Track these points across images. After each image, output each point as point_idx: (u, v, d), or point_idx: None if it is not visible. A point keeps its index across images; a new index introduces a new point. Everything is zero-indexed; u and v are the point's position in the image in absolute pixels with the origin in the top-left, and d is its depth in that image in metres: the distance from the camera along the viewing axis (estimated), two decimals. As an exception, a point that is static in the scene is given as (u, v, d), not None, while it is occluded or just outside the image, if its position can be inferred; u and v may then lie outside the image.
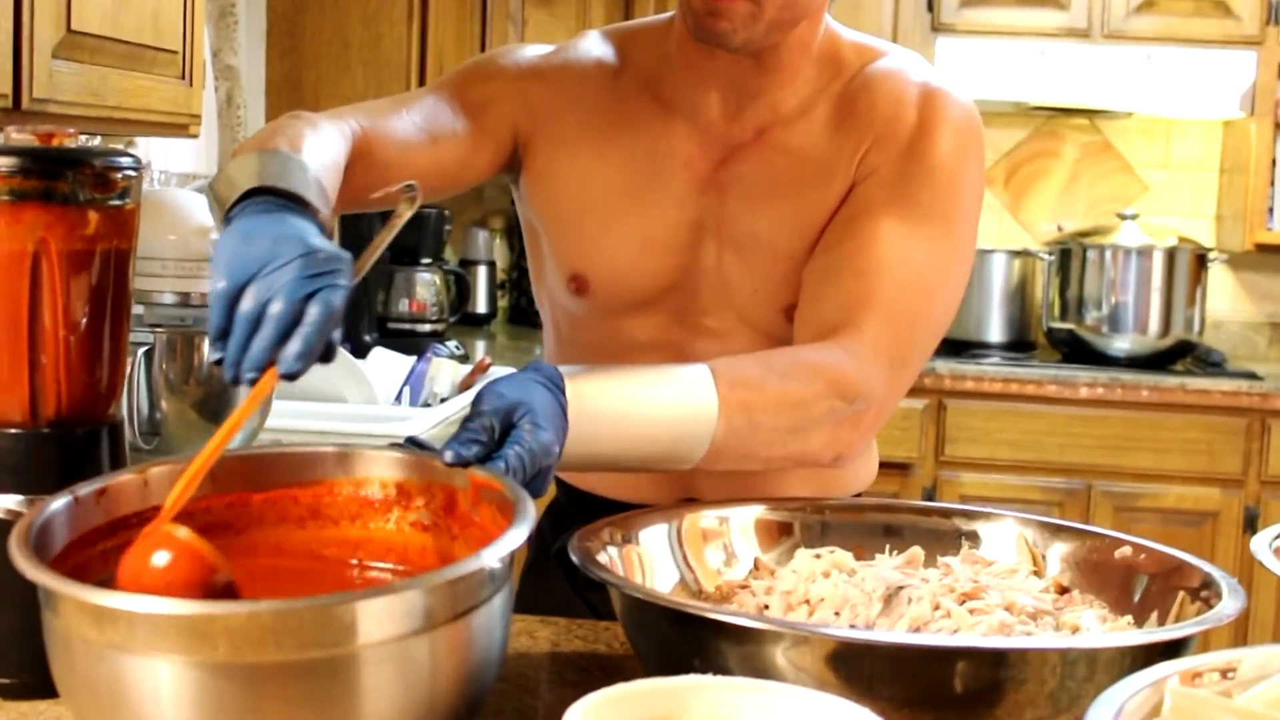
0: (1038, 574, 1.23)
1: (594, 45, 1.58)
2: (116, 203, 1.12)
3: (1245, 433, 3.84)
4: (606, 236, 1.51)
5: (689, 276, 1.51)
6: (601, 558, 1.13)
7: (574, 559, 1.09)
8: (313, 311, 1.02)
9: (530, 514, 0.97)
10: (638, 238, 1.50)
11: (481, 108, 1.51)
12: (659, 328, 1.53)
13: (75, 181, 1.09)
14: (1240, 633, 3.69)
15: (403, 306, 3.59)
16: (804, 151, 1.48)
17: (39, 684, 1.04)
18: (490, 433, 1.09)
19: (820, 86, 1.49)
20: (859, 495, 1.60)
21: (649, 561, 1.20)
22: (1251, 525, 3.84)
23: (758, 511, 1.29)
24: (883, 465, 1.67)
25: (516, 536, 0.94)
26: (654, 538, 1.23)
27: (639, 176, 1.50)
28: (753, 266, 1.49)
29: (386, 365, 2.94)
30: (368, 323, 3.52)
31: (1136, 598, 1.19)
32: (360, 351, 3.17)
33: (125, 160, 1.12)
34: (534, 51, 1.58)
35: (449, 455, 1.06)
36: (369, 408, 2.74)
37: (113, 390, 1.14)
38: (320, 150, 1.26)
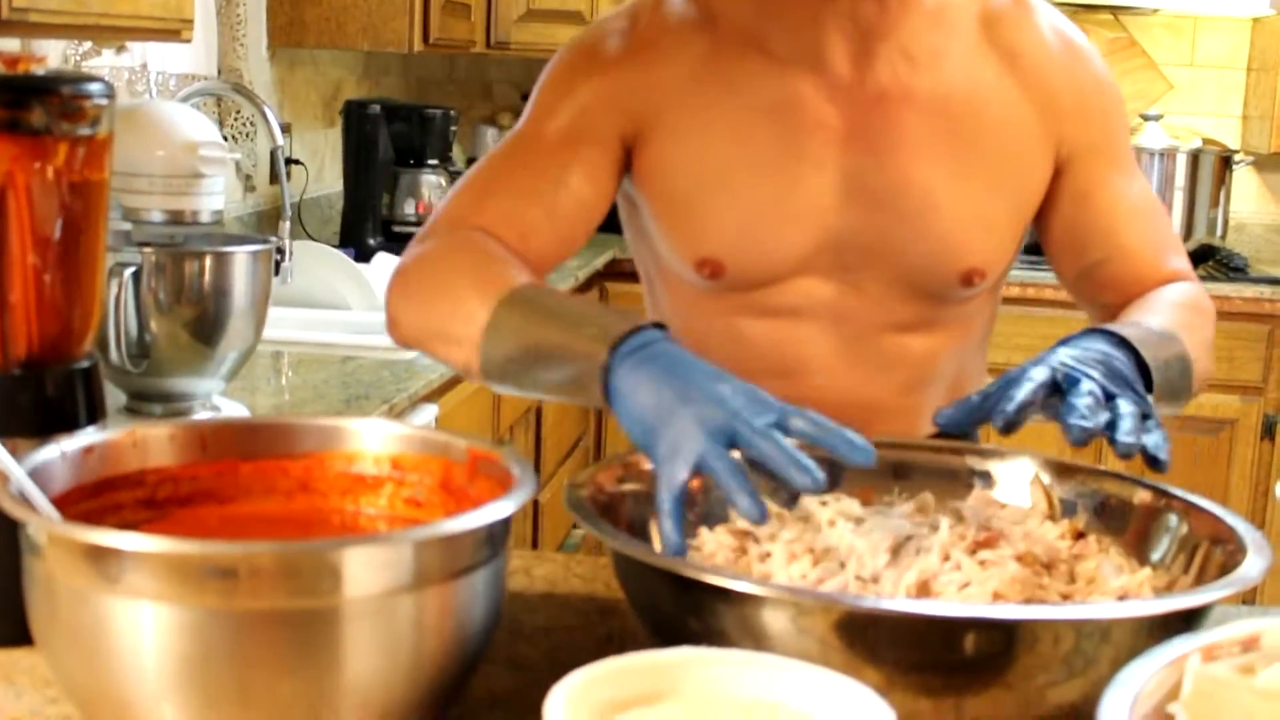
0: (1052, 518, 1.18)
1: (672, 6, 1.44)
2: (87, 132, 1.06)
3: (1266, 339, 3.79)
4: (739, 216, 1.40)
5: (839, 242, 1.42)
6: (597, 501, 1.08)
7: (567, 505, 1.05)
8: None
9: (529, 485, 0.93)
10: (774, 211, 1.40)
11: (583, 140, 1.40)
12: (806, 296, 1.45)
13: (43, 111, 1.03)
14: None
15: (408, 209, 3.53)
16: (972, 103, 1.41)
17: (13, 633, 1.00)
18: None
19: (947, 21, 1.41)
20: None
21: (646, 507, 1.16)
22: (1270, 433, 3.80)
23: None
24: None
25: (512, 502, 0.90)
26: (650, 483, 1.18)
27: (764, 143, 1.39)
28: (923, 228, 1.41)
29: (390, 270, 2.88)
30: (372, 226, 3.47)
31: (1156, 545, 1.14)
32: (364, 256, 3.12)
33: (96, 87, 1.06)
34: (610, 42, 1.43)
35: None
36: (372, 315, 2.70)
37: (86, 329, 1.09)
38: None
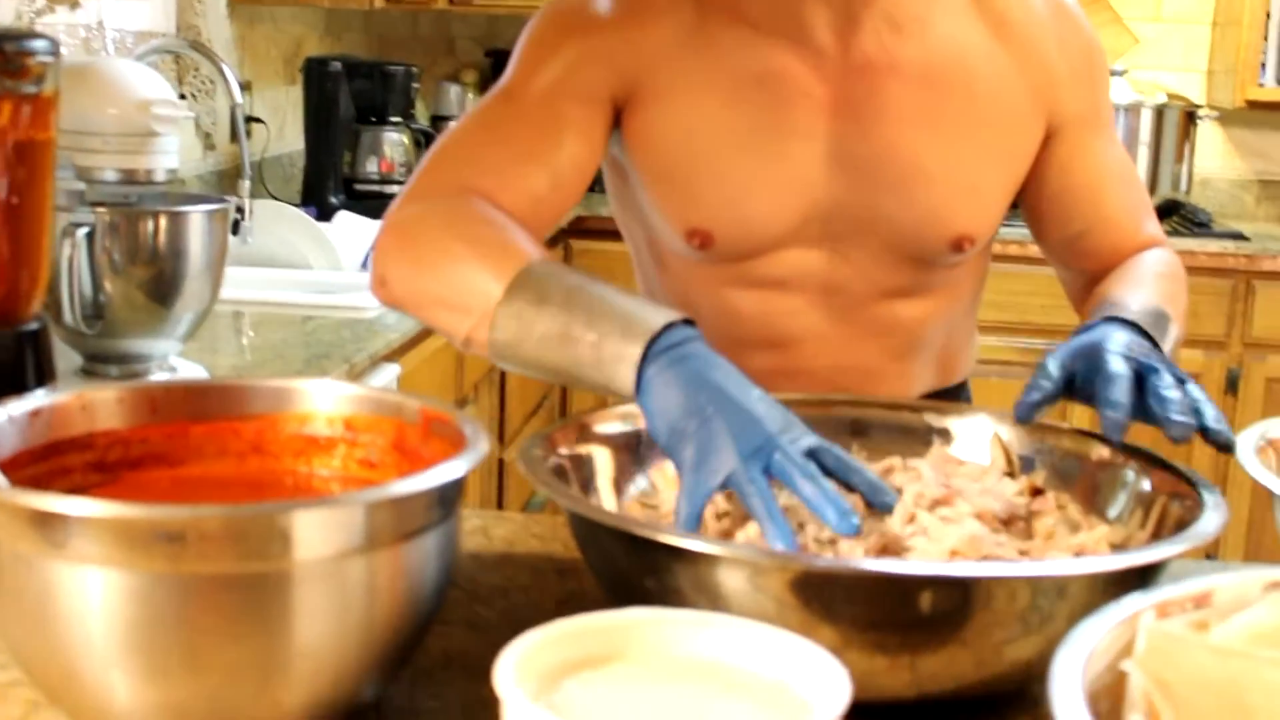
0: (1011, 474, 1.18)
1: None
2: (32, 90, 1.05)
3: (1230, 294, 3.80)
4: (727, 187, 1.39)
5: (827, 212, 1.41)
6: (551, 463, 1.08)
7: (521, 466, 1.04)
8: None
9: (481, 446, 0.92)
10: (763, 182, 1.39)
11: (576, 97, 1.37)
12: (796, 267, 1.44)
13: (-16, 67, 1.02)
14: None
15: (370, 167, 3.50)
16: (961, 71, 1.40)
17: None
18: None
19: None
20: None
21: (607, 466, 1.15)
22: (1233, 387, 3.82)
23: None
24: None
25: (464, 463, 0.89)
26: (608, 439, 1.17)
27: (751, 114, 1.38)
28: (911, 197, 1.40)
29: (352, 229, 2.87)
30: (334, 184, 3.44)
31: (1113, 501, 1.14)
32: (325, 215, 3.10)
33: (40, 44, 1.05)
34: (599, 2, 1.40)
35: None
36: (333, 274, 2.68)
37: (34, 291, 1.08)
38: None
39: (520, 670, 0.73)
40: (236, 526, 0.80)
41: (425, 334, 2.50)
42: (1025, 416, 1.18)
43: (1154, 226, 1.53)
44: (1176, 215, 4.07)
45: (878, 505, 1.01)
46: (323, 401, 1.05)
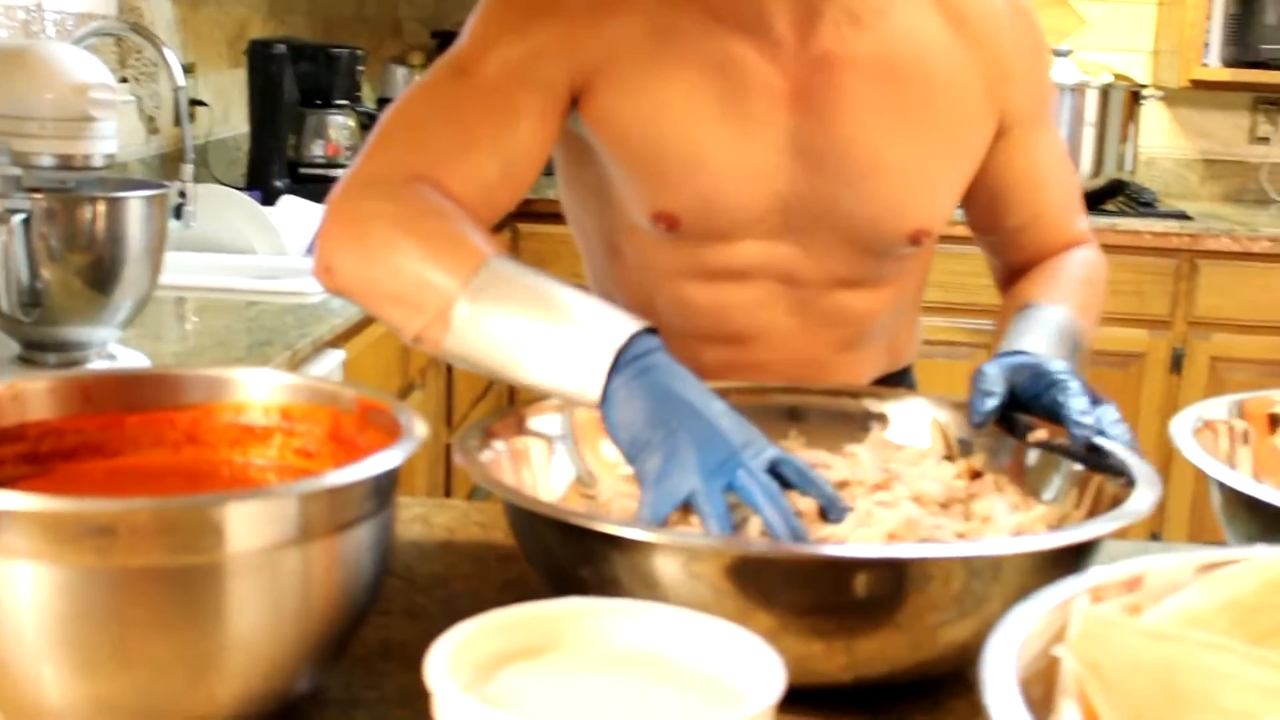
0: (950, 458, 1.18)
1: None
2: (-43, 75, 1.03)
3: (1174, 274, 3.82)
4: (694, 173, 1.38)
5: (787, 204, 1.41)
6: (487, 454, 1.07)
7: (458, 457, 1.04)
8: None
9: (417, 434, 0.92)
10: (729, 167, 1.38)
11: (533, 85, 1.33)
12: (755, 257, 1.43)
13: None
14: (1159, 510, 3.71)
15: (316, 150, 3.48)
16: (919, 65, 1.40)
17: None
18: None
19: None
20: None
21: (541, 456, 1.15)
22: (1178, 366, 3.85)
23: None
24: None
25: (399, 453, 0.89)
26: (547, 429, 1.17)
27: (716, 103, 1.37)
28: (870, 190, 1.41)
29: (296, 214, 2.85)
30: (279, 168, 3.41)
31: (1050, 482, 1.14)
32: (270, 199, 3.08)
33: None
34: None
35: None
36: (278, 259, 2.67)
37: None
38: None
39: (453, 661, 0.73)
40: (167, 519, 0.79)
41: (371, 319, 2.48)
42: (982, 423, 1.19)
43: (1084, 224, 1.58)
44: (1122, 195, 4.10)
45: (833, 518, 1.03)
46: (258, 391, 1.04)
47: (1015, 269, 1.55)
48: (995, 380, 1.19)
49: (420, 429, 0.93)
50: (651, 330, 1.11)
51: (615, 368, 1.08)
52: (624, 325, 1.09)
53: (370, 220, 1.23)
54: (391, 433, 0.95)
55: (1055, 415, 1.16)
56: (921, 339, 1.66)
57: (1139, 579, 0.80)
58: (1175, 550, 0.83)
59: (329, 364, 2.20)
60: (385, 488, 0.89)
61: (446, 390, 3.23)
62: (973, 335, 3.75)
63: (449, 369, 3.21)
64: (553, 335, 1.10)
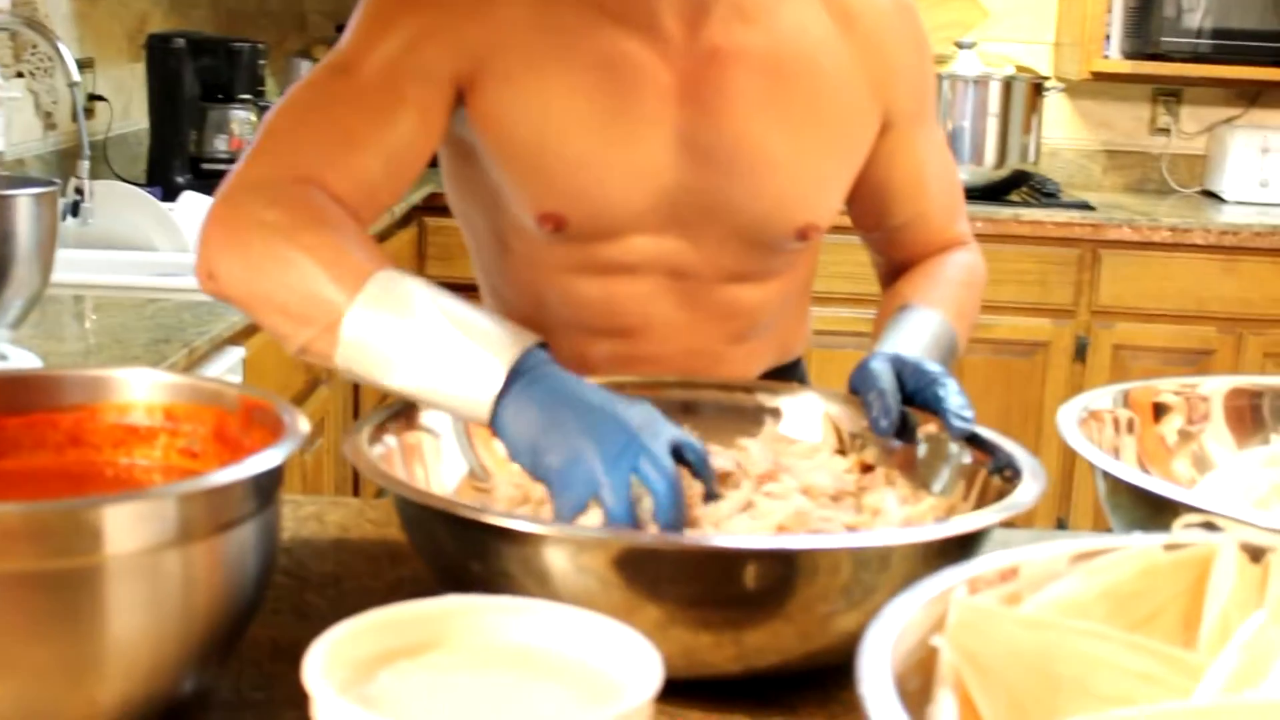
0: (842, 452, 1.19)
1: None
2: None
3: (1077, 263, 3.86)
4: (579, 170, 1.37)
5: (675, 199, 1.40)
6: (378, 449, 1.06)
7: (346, 451, 1.03)
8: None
9: (299, 432, 0.91)
10: (615, 166, 1.37)
11: (415, 78, 1.31)
12: (643, 252, 1.42)
13: None
14: (1066, 498, 3.77)
15: (219, 145, 3.43)
16: (804, 61, 1.41)
17: None
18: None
19: None
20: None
21: (434, 451, 1.14)
22: (1081, 354, 3.89)
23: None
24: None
25: (281, 451, 0.88)
26: (439, 423, 1.16)
27: (603, 100, 1.36)
28: (759, 186, 1.40)
29: (198, 209, 2.81)
30: (180, 164, 3.38)
31: (938, 475, 1.15)
32: (172, 194, 3.04)
33: None
34: None
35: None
36: (178, 256, 2.64)
37: None
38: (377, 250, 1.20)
39: (331, 661, 0.72)
40: (39, 523, 0.78)
41: (272, 315, 2.46)
42: (888, 431, 1.18)
43: (964, 225, 1.59)
44: (1025, 186, 4.14)
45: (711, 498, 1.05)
46: (141, 390, 1.03)
47: (897, 266, 1.58)
48: (888, 379, 1.20)
49: (303, 427, 0.92)
50: (541, 345, 1.10)
51: (505, 387, 1.07)
52: (512, 343, 1.09)
53: (254, 229, 1.19)
54: (276, 431, 0.94)
55: (933, 411, 1.17)
56: (812, 330, 1.67)
57: (1015, 570, 0.80)
58: (1056, 539, 0.83)
59: (228, 362, 2.18)
60: (267, 487, 0.88)
61: (354, 387, 3.21)
62: (866, 325, 3.77)
63: (355, 365, 3.19)
64: (441, 355, 1.08)
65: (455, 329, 1.09)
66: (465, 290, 1.23)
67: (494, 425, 1.07)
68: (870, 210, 1.55)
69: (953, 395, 1.17)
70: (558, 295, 1.45)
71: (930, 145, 1.54)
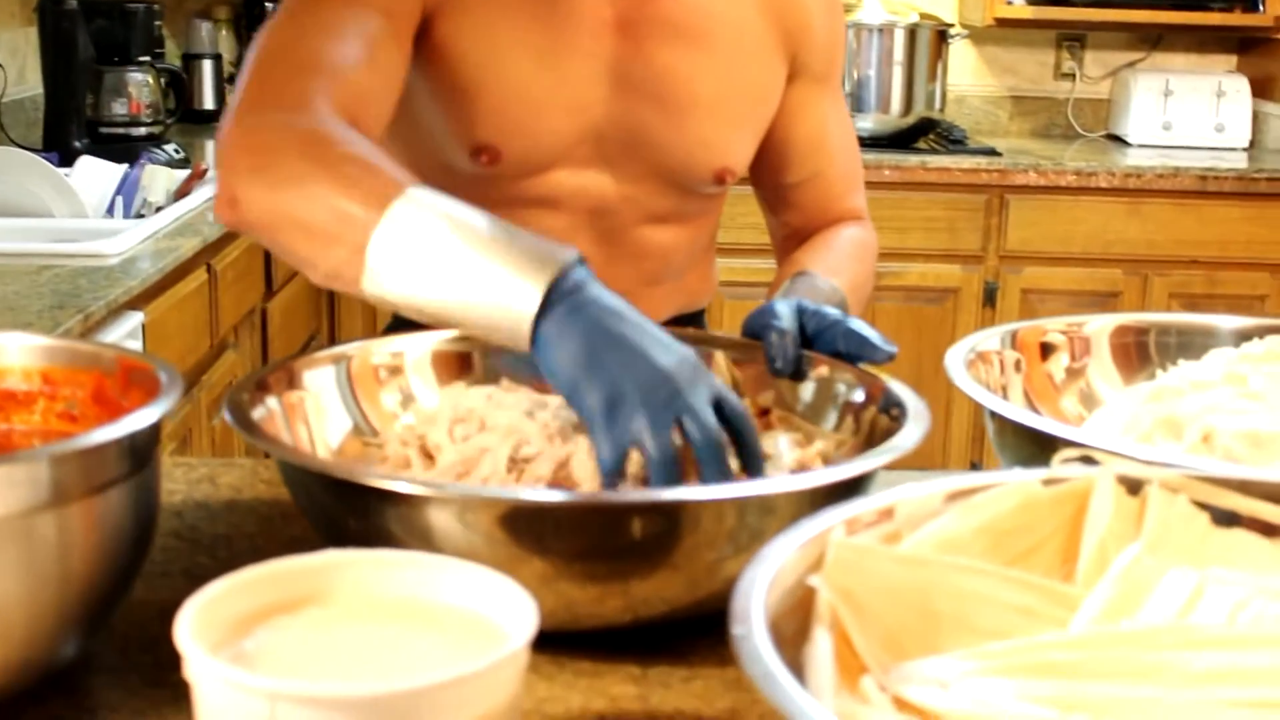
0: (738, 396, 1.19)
1: None
2: None
3: (985, 209, 3.89)
4: (518, 104, 1.37)
5: (602, 133, 1.42)
6: (259, 411, 1.05)
7: (226, 414, 1.02)
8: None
9: (175, 392, 0.91)
10: (552, 100, 1.39)
11: (397, 7, 1.32)
12: (567, 186, 1.44)
13: None
14: (979, 441, 3.79)
15: (118, 109, 3.37)
16: (727, 4, 1.43)
17: None
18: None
19: None
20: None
21: (317, 410, 1.13)
22: (991, 300, 3.92)
23: (434, 343, 1.22)
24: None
25: (156, 410, 0.87)
26: (321, 382, 1.15)
27: (544, 31, 1.37)
28: (683, 124, 1.43)
29: (95, 174, 2.78)
30: (76, 128, 3.32)
31: (827, 415, 1.16)
32: (68, 159, 3.00)
33: None
34: None
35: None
36: (76, 222, 2.60)
37: None
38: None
39: (204, 620, 0.72)
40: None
41: (173, 279, 2.43)
42: (785, 372, 1.18)
43: (862, 200, 1.61)
44: (932, 133, 4.16)
45: (753, 471, 1.03)
46: (17, 354, 1.01)
47: (791, 230, 1.60)
48: (789, 320, 1.20)
49: (178, 387, 0.91)
50: (581, 260, 1.06)
51: (544, 309, 1.03)
52: (550, 259, 1.04)
53: (276, 148, 1.15)
54: (154, 392, 0.93)
55: (843, 352, 1.17)
56: (717, 282, 1.68)
57: (891, 510, 0.81)
58: (931, 478, 0.84)
59: (126, 327, 2.16)
60: (143, 447, 0.87)
61: (263, 350, 3.18)
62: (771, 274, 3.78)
63: (264, 327, 3.17)
64: (477, 275, 1.04)
65: (490, 246, 1.05)
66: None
67: (534, 350, 1.03)
68: (769, 165, 1.56)
69: (869, 330, 1.18)
70: None
71: (834, 110, 1.56)
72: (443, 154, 1.44)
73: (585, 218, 1.47)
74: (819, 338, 1.19)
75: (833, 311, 1.21)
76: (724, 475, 0.98)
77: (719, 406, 1.01)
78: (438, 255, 1.05)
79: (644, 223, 1.50)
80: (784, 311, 1.20)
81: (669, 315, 1.58)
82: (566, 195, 1.45)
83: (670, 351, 1.02)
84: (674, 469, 0.97)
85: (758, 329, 1.21)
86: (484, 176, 1.42)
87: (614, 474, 0.98)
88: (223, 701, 0.67)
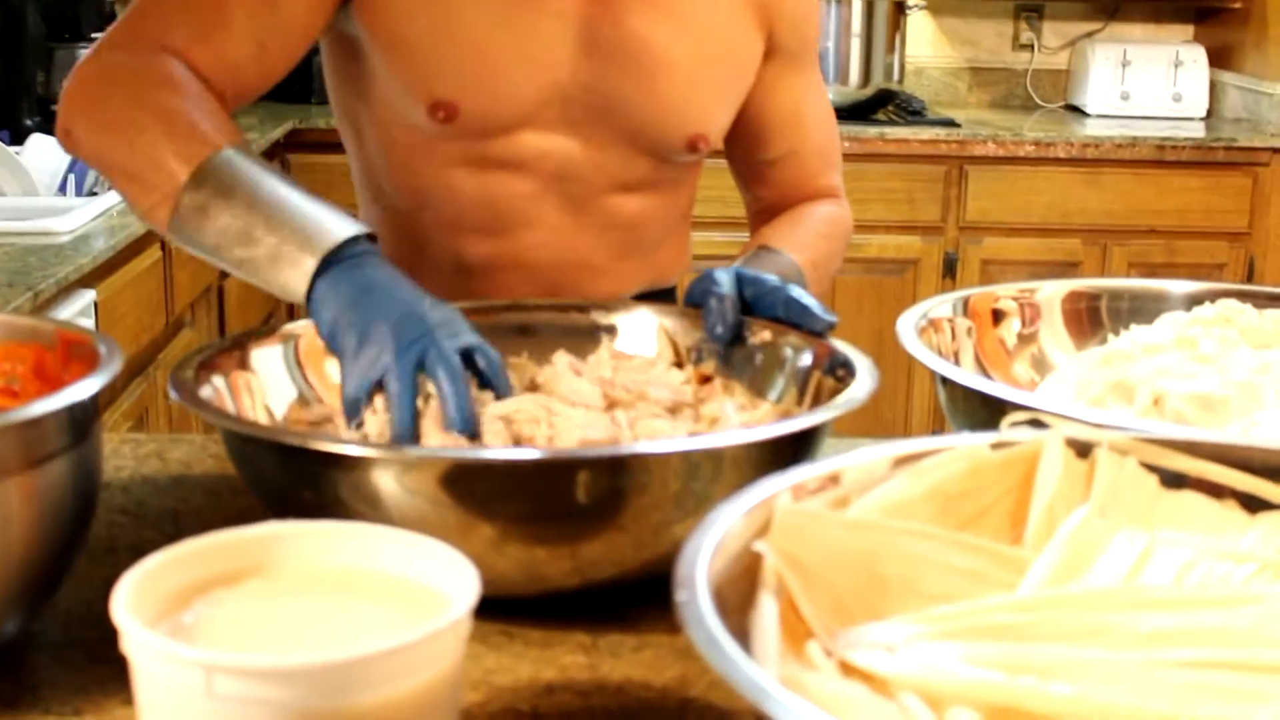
0: (679, 365, 1.19)
1: None
2: None
3: (944, 180, 3.89)
4: (476, 59, 1.35)
5: (569, 96, 1.39)
6: (206, 390, 1.04)
7: (170, 389, 1.01)
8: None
9: (114, 364, 0.90)
10: (515, 56, 1.36)
11: None
12: (532, 149, 1.41)
13: None
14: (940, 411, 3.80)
15: (69, 86, 3.34)
16: None
17: None
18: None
19: None
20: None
21: (262, 388, 1.12)
22: (951, 270, 3.92)
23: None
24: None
25: (93, 383, 0.86)
26: (267, 361, 1.14)
27: None
28: (654, 88, 1.40)
29: (47, 152, 2.75)
30: (27, 106, 3.28)
31: (774, 380, 1.15)
32: (18, 138, 2.97)
33: None
34: None
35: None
36: (26, 200, 2.57)
37: None
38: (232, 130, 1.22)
39: (142, 594, 0.71)
40: None
41: (126, 256, 2.41)
42: (724, 338, 1.19)
43: (837, 179, 1.60)
44: (891, 105, 4.15)
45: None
46: (-41, 331, 1.00)
47: (765, 206, 1.58)
48: (728, 285, 1.20)
49: (118, 360, 0.90)
50: (371, 237, 1.14)
51: (323, 268, 1.10)
52: (339, 228, 1.12)
53: (110, 90, 1.23)
54: (95, 366, 0.92)
55: (780, 318, 1.17)
56: (691, 258, 1.65)
57: (838, 475, 0.80)
58: (878, 444, 0.83)
59: (78, 305, 2.13)
60: (82, 420, 0.86)
61: (220, 328, 3.15)
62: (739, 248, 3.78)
63: (220, 304, 3.14)
64: (270, 231, 1.12)
65: (283, 213, 1.13)
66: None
67: (308, 305, 1.11)
68: (745, 141, 1.55)
69: (810, 299, 1.17)
70: (441, 192, 1.43)
71: (811, 89, 1.55)
72: (404, 112, 1.41)
73: (552, 183, 1.44)
74: (758, 304, 1.19)
75: (771, 279, 1.20)
76: (465, 417, 1.00)
77: (470, 356, 1.05)
78: (233, 216, 1.14)
79: (614, 191, 1.47)
80: (723, 279, 1.21)
81: (639, 289, 1.55)
82: (532, 158, 1.42)
83: (426, 303, 1.08)
84: (410, 402, 1.02)
85: (697, 296, 1.21)
86: (446, 136, 1.40)
87: (355, 405, 1.04)
88: (160, 675, 0.66)
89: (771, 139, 1.54)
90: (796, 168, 1.56)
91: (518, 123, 1.40)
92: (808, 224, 1.50)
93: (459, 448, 0.98)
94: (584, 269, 1.48)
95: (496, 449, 0.98)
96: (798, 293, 1.17)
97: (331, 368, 1.13)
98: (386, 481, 0.89)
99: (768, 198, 1.58)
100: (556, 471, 0.89)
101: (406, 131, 1.42)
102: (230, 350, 1.11)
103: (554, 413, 1.02)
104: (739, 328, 1.18)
